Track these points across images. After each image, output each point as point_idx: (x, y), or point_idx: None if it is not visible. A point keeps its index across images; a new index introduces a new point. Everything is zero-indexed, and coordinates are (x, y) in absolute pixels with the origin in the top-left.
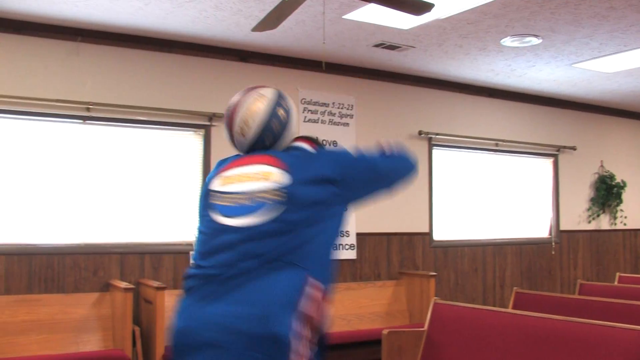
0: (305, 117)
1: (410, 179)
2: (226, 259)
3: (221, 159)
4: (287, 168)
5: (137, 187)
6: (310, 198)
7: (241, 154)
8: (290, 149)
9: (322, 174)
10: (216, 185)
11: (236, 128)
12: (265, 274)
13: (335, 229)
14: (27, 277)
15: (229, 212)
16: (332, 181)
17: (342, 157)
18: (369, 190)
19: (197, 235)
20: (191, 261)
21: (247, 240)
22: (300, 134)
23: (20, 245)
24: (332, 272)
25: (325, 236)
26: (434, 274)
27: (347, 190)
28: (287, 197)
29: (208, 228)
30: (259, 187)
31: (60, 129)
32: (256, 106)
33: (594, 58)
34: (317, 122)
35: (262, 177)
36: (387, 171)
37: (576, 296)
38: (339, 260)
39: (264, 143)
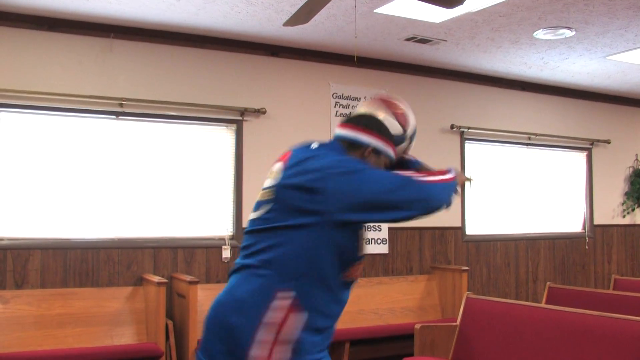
0: (337, 111)
1: (438, 210)
2: (246, 247)
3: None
4: (286, 166)
5: (169, 182)
6: (294, 203)
7: (298, 149)
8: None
9: (305, 183)
10: (266, 182)
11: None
12: (247, 271)
13: (331, 244)
14: (62, 271)
15: (255, 206)
16: (317, 192)
17: (335, 169)
18: (375, 216)
19: None
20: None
21: (247, 232)
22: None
23: (56, 239)
24: (317, 284)
25: (311, 246)
26: (467, 268)
27: (340, 206)
28: (275, 196)
29: (248, 224)
30: (266, 184)
31: (94, 125)
32: None
33: (629, 50)
34: None
35: (273, 173)
36: (405, 201)
37: (611, 291)
38: (371, 254)
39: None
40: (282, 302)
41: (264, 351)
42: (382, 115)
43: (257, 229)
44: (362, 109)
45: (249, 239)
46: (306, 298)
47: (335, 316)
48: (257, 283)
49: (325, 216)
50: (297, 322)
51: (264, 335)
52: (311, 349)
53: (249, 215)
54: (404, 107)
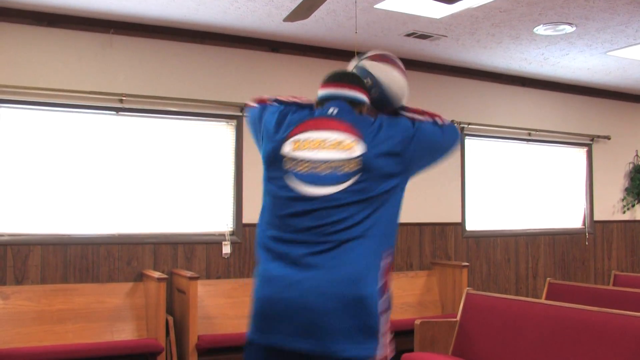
0: None
1: (457, 148)
2: (309, 226)
3: (278, 107)
4: (362, 137)
5: (169, 177)
6: (384, 170)
7: (312, 115)
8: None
9: (394, 148)
10: (288, 149)
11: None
12: (349, 243)
13: (401, 201)
14: (63, 267)
15: (307, 179)
16: (401, 154)
17: (409, 131)
18: (430, 161)
19: (266, 199)
20: (262, 226)
21: (330, 208)
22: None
23: (56, 235)
24: (395, 242)
25: (395, 208)
26: (467, 264)
27: (413, 163)
28: (363, 167)
29: (284, 193)
30: (336, 157)
31: (94, 121)
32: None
33: (629, 46)
34: None
35: (338, 145)
36: (445, 142)
37: (611, 287)
38: None
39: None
40: (385, 262)
41: (383, 314)
42: (395, 72)
43: (349, 202)
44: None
45: (336, 214)
46: (393, 256)
47: None
48: (369, 251)
49: (405, 175)
50: (391, 280)
51: (380, 299)
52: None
53: (247, 211)
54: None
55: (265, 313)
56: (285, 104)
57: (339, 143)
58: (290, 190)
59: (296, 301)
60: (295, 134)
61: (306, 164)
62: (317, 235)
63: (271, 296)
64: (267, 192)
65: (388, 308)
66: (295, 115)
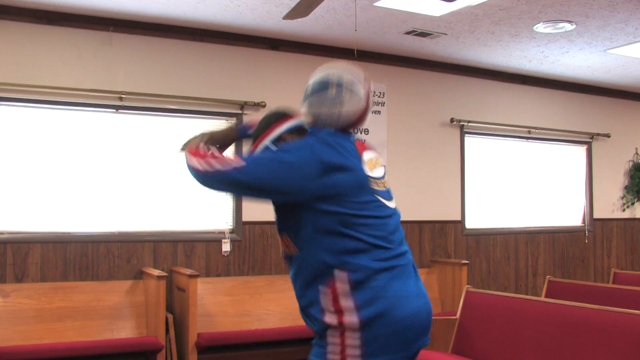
0: None
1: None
2: (400, 238)
3: (330, 133)
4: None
5: (169, 175)
6: None
7: (352, 137)
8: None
9: None
10: (367, 169)
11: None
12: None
13: None
14: (62, 265)
15: (385, 196)
16: None
17: None
18: None
19: (368, 221)
20: (370, 254)
21: (399, 223)
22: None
23: (56, 233)
24: None
25: None
26: (466, 262)
27: None
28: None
29: (382, 212)
30: (383, 173)
31: (94, 119)
32: None
33: (629, 43)
34: None
35: (377, 163)
36: None
37: (610, 285)
38: None
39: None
40: None
41: None
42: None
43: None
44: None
45: (401, 231)
46: None
47: None
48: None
49: None
50: None
51: None
52: None
53: (246, 209)
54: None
55: (415, 326)
56: (296, 130)
57: (377, 160)
58: (385, 207)
59: (424, 307)
60: (361, 154)
61: (379, 182)
62: (405, 245)
63: (418, 310)
64: (365, 218)
65: None
66: (337, 137)
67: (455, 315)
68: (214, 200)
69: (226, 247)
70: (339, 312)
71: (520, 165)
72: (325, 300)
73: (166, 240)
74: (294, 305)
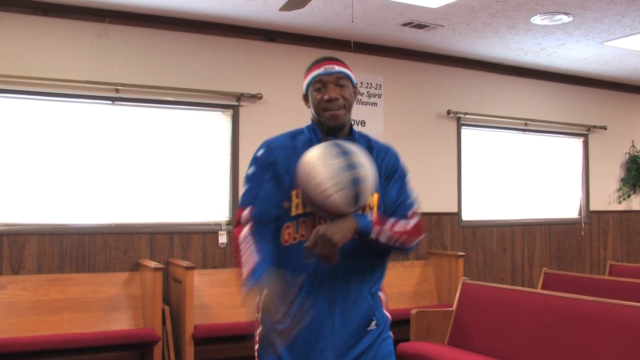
0: None
1: None
2: None
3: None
4: None
5: (165, 167)
6: None
7: None
8: None
9: None
10: None
11: None
12: None
13: None
14: (59, 257)
15: None
16: None
17: None
18: None
19: None
20: None
21: None
22: None
23: (52, 225)
24: None
25: None
26: (463, 254)
27: None
28: None
29: None
30: None
31: (90, 110)
32: None
33: (626, 36)
34: None
35: None
36: None
37: (606, 277)
38: None
39: None
40: None
41: None
42: None
43: None
44: None
45: None
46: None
47: None
48: None
49: None
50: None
51: None
52: None
53: None
54: None
55: None
56: None
57: None
58: None
59: None
60: None
61: None
62: None
63: None
64: None
65: None
66: None
67: (452, 307)
68: (211, 192)
69: (223, 238)
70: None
71: (517, 158)
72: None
73: (163, 232)
74: None
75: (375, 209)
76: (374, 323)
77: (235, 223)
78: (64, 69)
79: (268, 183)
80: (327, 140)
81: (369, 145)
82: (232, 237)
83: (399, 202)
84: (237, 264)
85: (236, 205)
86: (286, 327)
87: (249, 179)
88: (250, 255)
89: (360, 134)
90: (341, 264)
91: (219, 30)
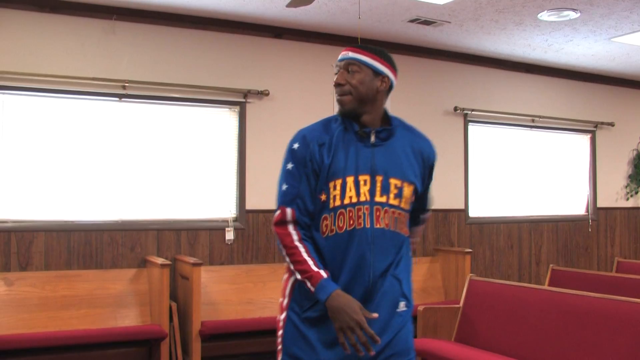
0: None
1: None
2: None
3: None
4: None
5: (173, 164)
6: None
7: None
8: None
9: None
10: None
11: None
12: None
13: None
14: (66, 253)
15: None
16: None
17: None
18: None
19: None
20: None
21: None
22: None
23: (59, 222)
24: None
25: None
26: (470, 250)
27: None
28: None
29: None
30: None
31: (97, 107)
32: None
33: (634, 32)
34: None
35: None
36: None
37: (613, 274)
38: None
39: None
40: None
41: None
42: None
43: None
44: None
45: None
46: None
47: None
48: None
49: None
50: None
51: None
52: None
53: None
54: None
55: None
56: None
57: None
58: None
59: None
60: None
61: None
62: None
63: None
64: None
65: None
66: None
67: (459, 303)
68: (218, 189)
69: (230, 235)
70: None
71: (524, 154)
72: None
73: (170, 228)
74: None
75: (406, 199)
76: (403, 304)
77: (275, 220)
78: (71, 66)
79: (307, 180)
80: (364, 132)
81: (412, 136)
82: (278, 236)
83: (425, 197)
84: (290, 262)
85: (243, 202)
86: (318, 315)
87: (288, 175)
88: (308, 267)
89: (402, 124)
90: (376, 253)
91: (226, 27)
